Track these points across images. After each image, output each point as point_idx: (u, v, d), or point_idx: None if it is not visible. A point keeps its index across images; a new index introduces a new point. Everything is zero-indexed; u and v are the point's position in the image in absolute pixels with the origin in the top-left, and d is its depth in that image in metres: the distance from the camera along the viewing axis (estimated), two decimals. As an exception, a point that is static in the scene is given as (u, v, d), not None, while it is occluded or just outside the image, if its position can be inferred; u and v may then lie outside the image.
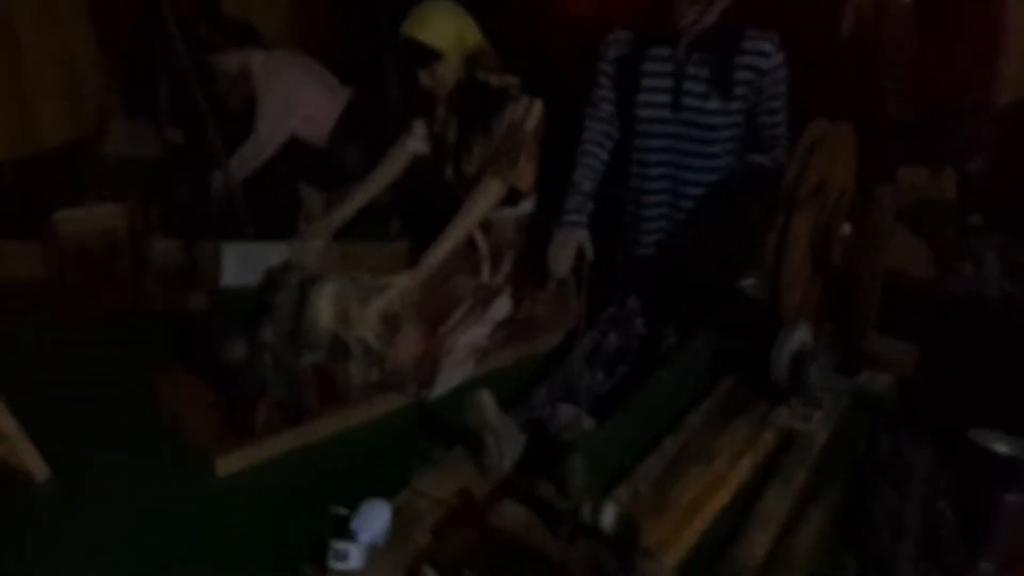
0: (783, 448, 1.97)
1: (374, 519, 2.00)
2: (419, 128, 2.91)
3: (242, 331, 2.42)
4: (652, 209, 2.68)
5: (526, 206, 2.89)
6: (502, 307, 2.86)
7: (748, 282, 2.40)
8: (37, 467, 2.30)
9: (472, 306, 2.80)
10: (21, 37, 4.35)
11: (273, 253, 2.91)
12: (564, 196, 2.70)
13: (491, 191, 2.73)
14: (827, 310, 2.39)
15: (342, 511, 2.02)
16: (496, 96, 2.72)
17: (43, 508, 2.24)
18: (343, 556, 1.90)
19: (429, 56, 2.67)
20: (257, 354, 2.42)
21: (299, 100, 3.58)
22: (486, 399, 2.13)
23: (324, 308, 2.48)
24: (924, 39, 2.91)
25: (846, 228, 2.18)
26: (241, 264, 3.31)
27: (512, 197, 2.85)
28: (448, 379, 2.61)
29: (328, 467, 2.35)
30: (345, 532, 1.94)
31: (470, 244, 2.88)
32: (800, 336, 2.00)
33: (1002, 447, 1.77)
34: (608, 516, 1.56)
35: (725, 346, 2.23)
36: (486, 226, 2.87)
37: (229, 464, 2.34)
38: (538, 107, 2.74)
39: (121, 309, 3.21)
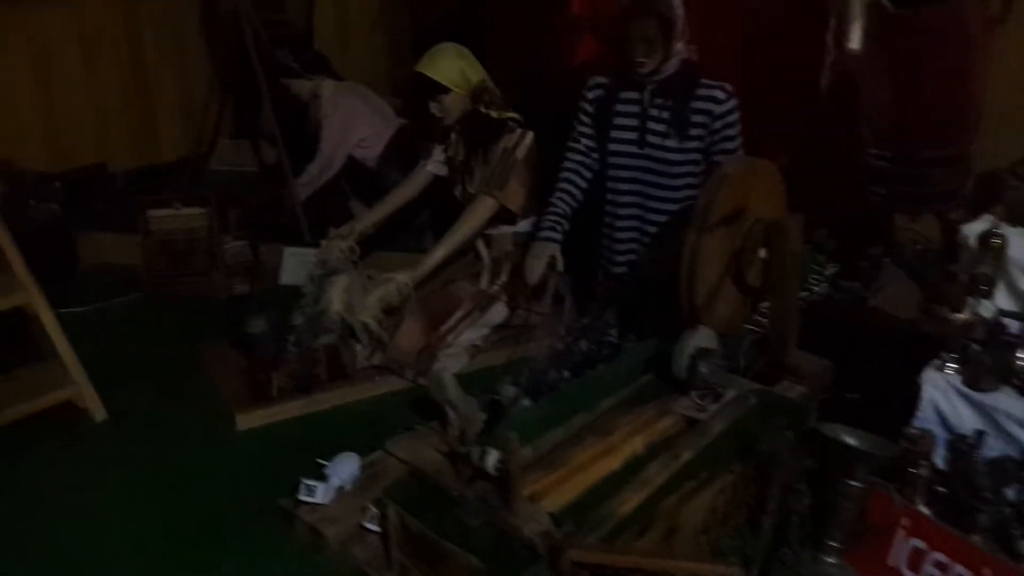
0: (682, 433, 2.30)
1: (344, 467, 2.47)
2: (437, 153, 3.38)
3: (264, 310, 2.94)
4: (623, 232, 3.04)
5: (523, 225, 3.30)
6: (498, 313, 3.29)
7: None
8: (97, 409, 2.89)
9: (471, 309, 3.23)
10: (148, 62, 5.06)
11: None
12: (542, 216, 3.09)
13: (482, 207, 3.17)
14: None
15: (323, 462, 2.49)
16: (495, 127, 3.17)
17: (96, 443, 2.83)
18: (311, 491, 2.38)
19: (437, 90, 3.14)
20: (277, 330, 2.94)
21: (356, 125, 4.10)
22: (447, 379, 2.56)
23: (336, 297, 2.98)
24: (897, 92, 3.12)
25: (761, 252, 2.47)
26: (298, 265, 3.83)
27: (510, 217, 3.27)
28: (443, 370, 3.04)
29: (330, 431, 2.83)
30: (323, 477, 2.42)
31: (475, 254, 3.31)
32: (700, 339, 2.32)
33: (848, 438, 2.02)
34: (491, 459, 1.95)
35: (659, 348, 2.53)
36: (488, 239, 3.30)
37: (248, 421, 2.87)
38: (529, 138, 3.17)
39: (194, 294, 3.83)
